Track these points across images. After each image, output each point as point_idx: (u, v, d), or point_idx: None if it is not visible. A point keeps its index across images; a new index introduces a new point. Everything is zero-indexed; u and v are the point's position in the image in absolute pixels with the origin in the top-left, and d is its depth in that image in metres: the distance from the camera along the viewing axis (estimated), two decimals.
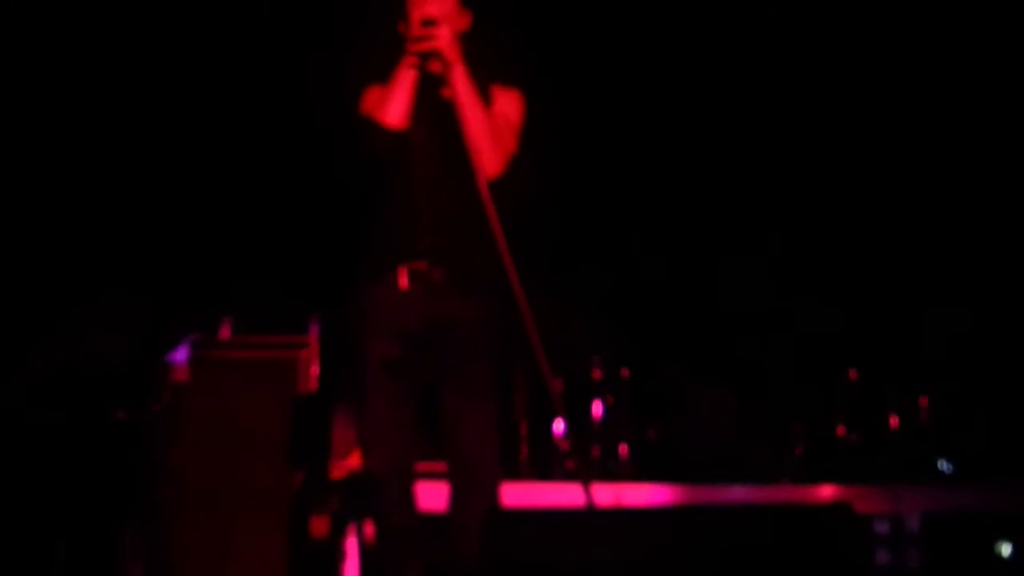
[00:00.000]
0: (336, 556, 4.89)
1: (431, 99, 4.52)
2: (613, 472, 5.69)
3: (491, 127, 4.40)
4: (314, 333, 5.45)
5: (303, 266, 5.68)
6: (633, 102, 5.53)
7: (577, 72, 5.52)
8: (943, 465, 4.29)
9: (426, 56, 4.36)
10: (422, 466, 4.44)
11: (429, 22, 4.34)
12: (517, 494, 5.09)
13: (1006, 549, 3.79)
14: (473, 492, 4.27)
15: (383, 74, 4.52)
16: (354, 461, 4.88)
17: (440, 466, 4.43)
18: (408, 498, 4.37)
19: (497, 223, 4.24)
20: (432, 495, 4.46)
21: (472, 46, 4.50)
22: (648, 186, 5.38)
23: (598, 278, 5.52)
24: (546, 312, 4.28)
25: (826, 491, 4.60)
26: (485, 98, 4.51)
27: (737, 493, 4.88)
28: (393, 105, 4.37)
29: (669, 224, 5.27)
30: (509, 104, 4.59)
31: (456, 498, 4.33)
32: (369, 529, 4.79)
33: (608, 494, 5.06)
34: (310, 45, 5.70)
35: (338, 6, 5.75)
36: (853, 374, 4.73)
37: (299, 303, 5.51)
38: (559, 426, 5.57)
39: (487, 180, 4.30)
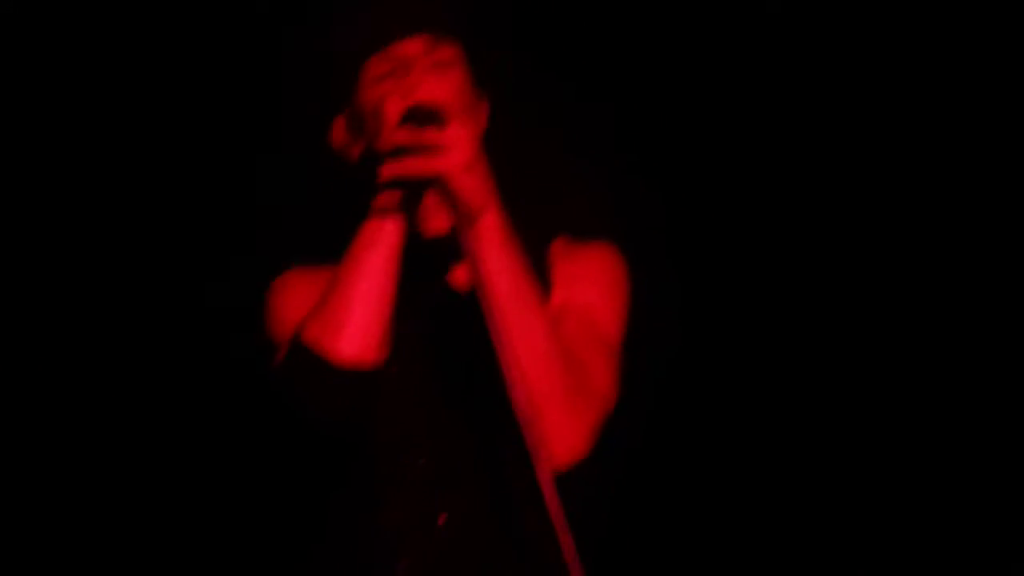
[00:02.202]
0: None
1: (430, 298, 2.21)
2: None
3: (563, 353, 2.05)
4: None
5: None
6: None
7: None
8: None
9: (416, 193, 2.00)
10: None
11: (428, 116, 2.00)
12: None
13: None
14: None
15: (320, 248, 2.20)
16: None
17: None
18: None
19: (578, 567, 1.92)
20: None
21: (502, 165, 2.17)
22: None
23: None
24: None
25: None
26: (542, 278, 2.17)
27: None
28: (351, 315, 2.02)
29: None
30: (596, 287, 2.23)
31: None
32: None
33: None
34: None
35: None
36: None
37: None
38: None
39: (556, 472, 1.99)
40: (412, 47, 2.12)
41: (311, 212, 2.61)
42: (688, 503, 3.21)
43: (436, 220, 2.15)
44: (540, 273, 2.14)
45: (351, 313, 1.99)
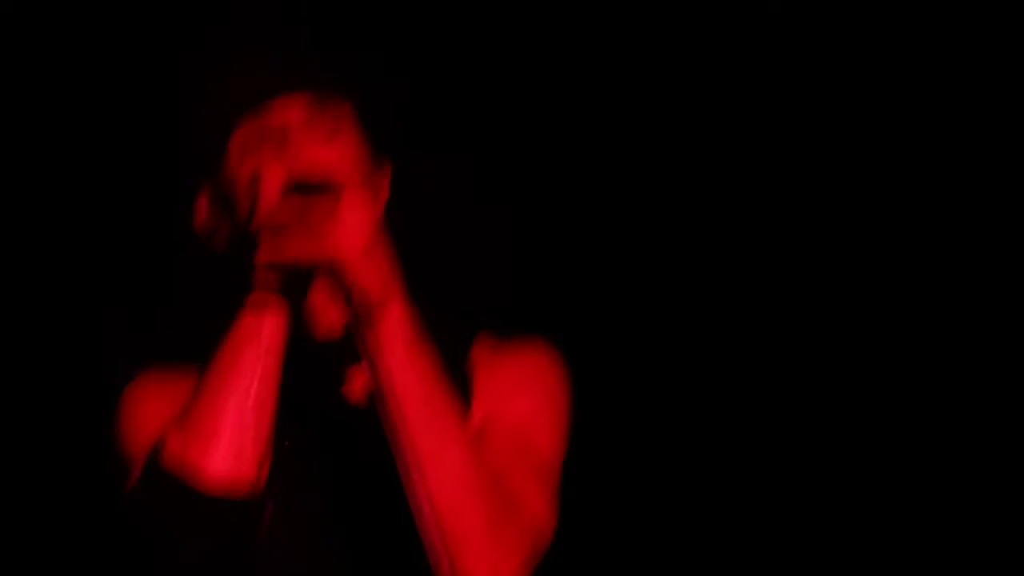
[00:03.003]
0: None
1: (320, 410, 1.80)
2: None
3: (486, 478, 1.68)
4: None
5: None
6: None
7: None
8: None
9: (301, 283, 1.67)
10: None
11: (315, 190, 1.65)
12: None
13: None
14: None
15: (183, 346, 1.80)
16: None
17: None
18: None
19: None
20: None
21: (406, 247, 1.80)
22: None
23: None
24: None
25: None
26: (463, 392, 1.78)
27: None
28: (224, 428, 1.64)
29: None
30: (528, 396, 1.85)
31: None
32: None
33: None
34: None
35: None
36: None
37: None
38: None
39: None
40: (292, 109, 1.76)
41: (171, 303, 2.22)
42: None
43: (326, 315, 1.76)
44: (457, 381, 1.75)
45: (223, 425, 1.62)
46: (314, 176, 1.65)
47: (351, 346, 1.66)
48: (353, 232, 1.60)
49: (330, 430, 1.76)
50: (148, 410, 1.78)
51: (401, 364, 1.61)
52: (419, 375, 1.62)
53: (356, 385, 1.76)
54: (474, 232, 2.59)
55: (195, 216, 1.81)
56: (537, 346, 1.90)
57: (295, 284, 1.64)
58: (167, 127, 1.89)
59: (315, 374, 1.77)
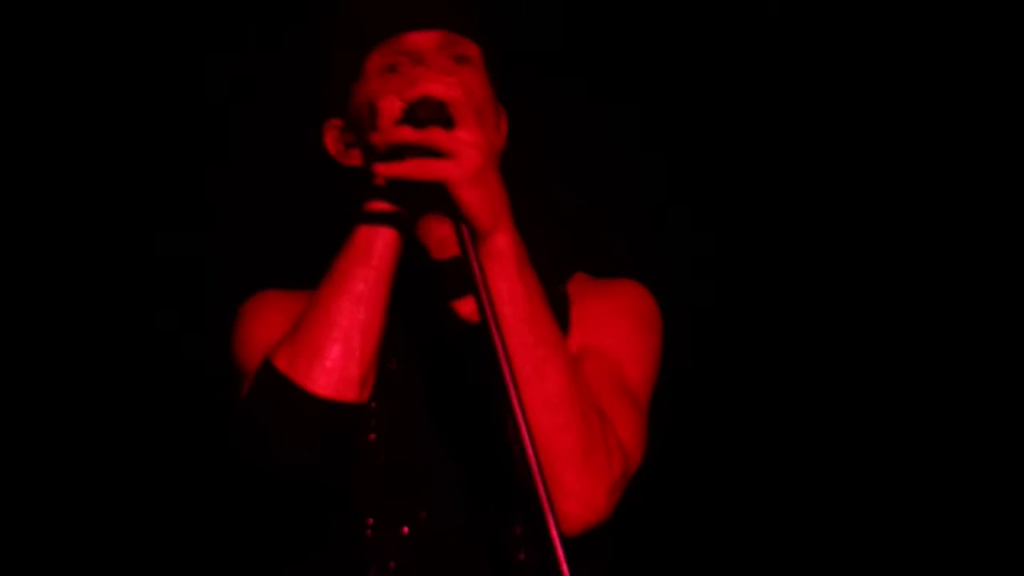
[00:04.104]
0: None
1: (428, 327, 1.90)
2: None
3: (583, 401, 1.75)
4: None
5: None
6: None
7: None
8: None
9: (417, 203, 1.77)
10: None
11: (432, 113, 1.69)
12: None
13: None
14: None
15: (299, 265, 1.87)
16: None
17: None
18: None
19: None
20: None
21: (520, 188, 1.83)
22: None
23: None
24: None
25: None
26: (560, 318, 1.83)
27: None
28: (331, 342, 1.73)
29: None
30: (621, 331, 1.94)
31: None
32: None
33: None
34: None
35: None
36: None
37: None
38: None
39: (569, 537, 1.62)
40: (425, 40, 1.87)
41: (290, 227, 2.32)
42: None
43: (439, 239, 1.87)
44: (558, 313, 1.83)
45: (330, 340, 1.72)
46: (436, 101, 1.70)
47: (462, 268, 1.69)
48: (467, 159, 1.66)
49: (436, 348, 1.86)
50: (262, 327, 1.88)
51: (507, 286, 1.68)
52: (524, 299, 1.69)
53: (464, 305, 1.85)
54: (584, 185, 2.70)
55: (327, 141, 1.92)
56: (630, 284, 1.99)
57: (411, 203, 1.72)
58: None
59: (425, 293, 1.87)
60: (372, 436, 1.81)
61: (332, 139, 1.92)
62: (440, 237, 1.88)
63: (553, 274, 1.94)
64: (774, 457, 3.02)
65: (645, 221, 2.72)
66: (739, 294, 2.95)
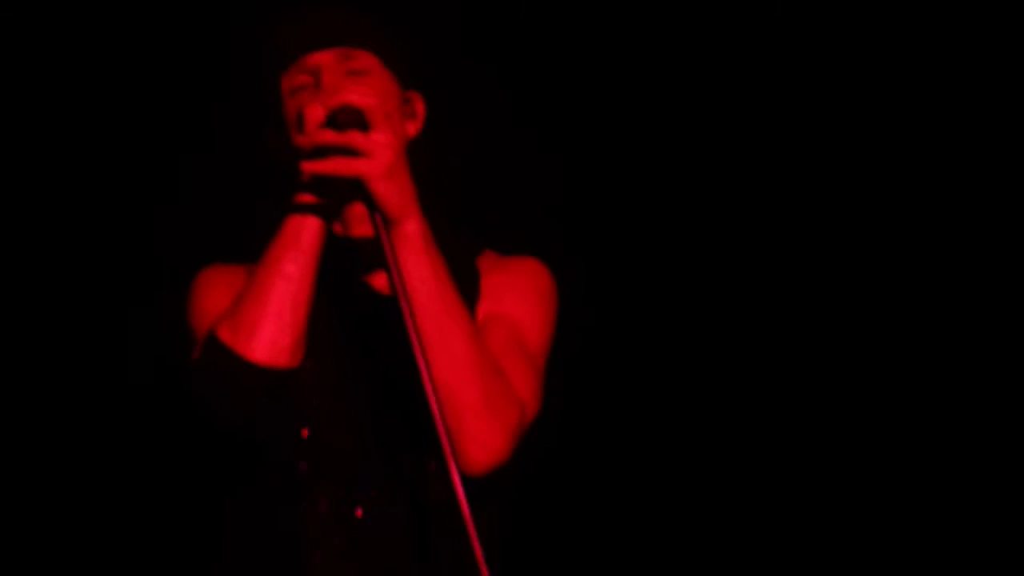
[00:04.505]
0: None
1: (349, 300, 2.18)
2: None
3: (482, 358, 2.05)
4: None
5: None
6: None
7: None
8: None
9: (338, 195, 2.04)
10: None
11: (350, 118, 1.99)
12: None
13: None
14: None
15: (240, 245, 2.18)
16: None
17: None
18: None
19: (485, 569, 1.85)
20: None
21: (431, 178, 2.14)
22: None
23: None
24: None
25: None
26: (468, 289, 2.16)
27: None
28: (266, 314, 2.02)
29: None
30: (521, 300, 2.24)
31: None
32: None
33: None
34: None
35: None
36: None
37: None
38: None
39: (469, 478, 1.94)
40: (324, 57, 2.15)
41: (236, 211, 2.61)
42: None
43: (358, 223, 2.16)
44: (468, 284, 2.15)
45: (265, 315, 2.01)
46: (351, 108, 1.98)
47: (377, 249, 1.98)
48: (379, 157, 1.95)
49: (356, 316, 2.15)
50: (210, 297, 2.17)
51: (415, 265, 1.98)
52: (430, 275, 1.99)
53: (380, 281, 2.15)
54: (490, 168, 2.98)
55: (267, 142, 2.21)
56: (531, 261, 2.29)
57: (332, 195, 2.01)
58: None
59: (347, 272, 2.16)
60: (306, 391, 2.11)
61: (270, 141, 2.21)
62: (358, 223, 2.17)
63: (465, 252, 2.24)
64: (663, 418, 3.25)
65: (546, 203, 3.02)
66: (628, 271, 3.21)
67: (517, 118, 3.03)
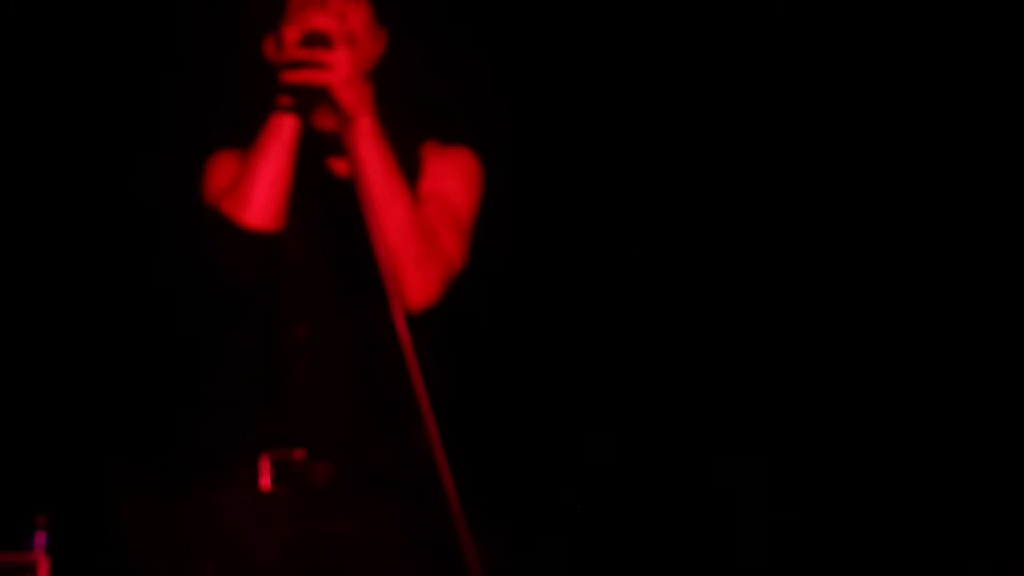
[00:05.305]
0: None
1: (319, 178, 2.77)
2: None
3: (418, 225, 2.65)
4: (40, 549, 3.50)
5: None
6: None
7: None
8: None
9: (310, 98, 2.61)
10: None
11: (317, 39, 2.56)
12: None
13: None
14: None
15: (238, 136, 2.75)
16: None
17: None
18: None
19: (422, 388, 2.42)
20: None
21: (390, 83, 2.76)
22: None
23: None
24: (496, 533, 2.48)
25: None
26: (412, 171, 2.77)
27: None
28: (257, 189, 2.60)
29: None
30: (452, 180, 2.84)
31: None
32: None
33: None
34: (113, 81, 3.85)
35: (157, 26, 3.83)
36: None
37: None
38: None
39: (408, 315, 2.51)
40: None
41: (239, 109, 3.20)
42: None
43: (325, 120, 2.74)
44: (411, 167, 2.76)
45: (255, 191, 2.62)
46: (322, 28, 2.56)
47: (340, 141, 2.60)
48: (340, 70, 2.53)
49: (325, 192, 2.76)
50: (216, 175, 2.78)
51: (368, 152, 2.57)
52: (379, 159, 2.59)
53: (341, 165, 2.76)
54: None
55: (267, 50, 2.78)
56: (463, 150, 2.90)
57: (306, 98, 2.60)
58: None
59: (317, 157, 2.76)
60: (287, 248, 2.73)
61: (268, 50, 2.78)
62: (325, 119, 2.74)
63: (410, 141, 2.84)
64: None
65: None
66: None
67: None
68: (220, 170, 2.80)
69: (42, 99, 3.70)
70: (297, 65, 2.56)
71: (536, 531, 3.66)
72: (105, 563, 3.10)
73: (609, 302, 3.80)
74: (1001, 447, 3.34)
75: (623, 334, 3.78)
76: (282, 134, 2.62)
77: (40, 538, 3.38)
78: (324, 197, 2.75)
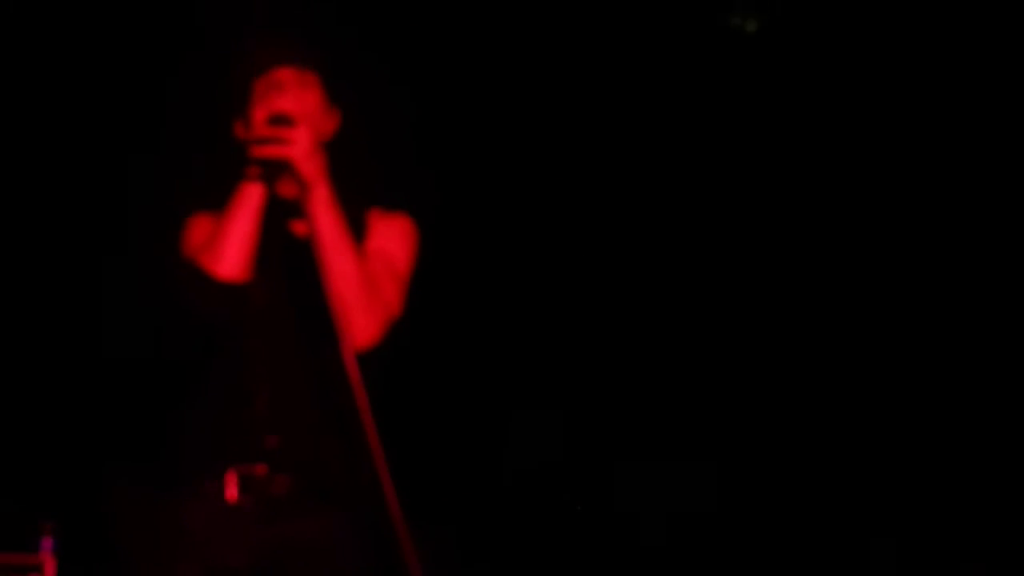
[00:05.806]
0: None
1: (281, 238, 3.22)
2: None
3: (364, 277, 3.11)
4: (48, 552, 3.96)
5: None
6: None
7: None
8: None
9: (274, 169, 3.06)
10: None
11: (281, 119, 3.04)
12: None
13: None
14: None
15: (213, 200, 3.20)
16: None
17: None
18: None
19: (368, 412, 2.92)
20: None
21: (342, 158, 3.23)
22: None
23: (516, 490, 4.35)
24: (431, 539, 2.98)
25: None
26: (360, 232, 3.24)
27: None
28: (228, 246, 3.04)
29: None
30: (393, 240, 3.30)
31: None
32: None
33: None
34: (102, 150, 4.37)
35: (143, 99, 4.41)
36: None
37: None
38: None
39: (356, 352, 2.99)
40: (284, 74, 3.21)
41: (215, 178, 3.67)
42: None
43: (287, 188, 3.19)
44: (360, 227, 3.24)
45: (227, 247, 3.07)
46: (285, 110, 3.06)
47: (299, 206, 3.08)
48: (300, 145, 3.00)
49: (286, 250, 3.22)
50: (193, 234, 3.23)
51: (323, 216, 3.05)
52: (332, 223, 3.06)
53: (300, 227, 3.21)
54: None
55: (236, 130, 3.25)
56: (402, 217, 3.39)
57: (271, 170, 3.06)
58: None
59: (280, 220, 3.22)
60: (252, 296, 3.19)
61: (238, 129, 3.25)
62: (287, 187, 3.18)
63: (359, 207, 3.31)
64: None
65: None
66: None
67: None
68: (197, 229, 3.25)
69: (28, 160, 4.25)
70: (264, 141, 3.05)
71: (471, 532, 4.15)
72: (98, 565, 3.50)
73: (524, 337, 4.41)
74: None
75: (533, 365, 4.37)
76: (251, 200, 3.09)
77: (47, 542, 3.81)
78: (285, 253, 3.20)
